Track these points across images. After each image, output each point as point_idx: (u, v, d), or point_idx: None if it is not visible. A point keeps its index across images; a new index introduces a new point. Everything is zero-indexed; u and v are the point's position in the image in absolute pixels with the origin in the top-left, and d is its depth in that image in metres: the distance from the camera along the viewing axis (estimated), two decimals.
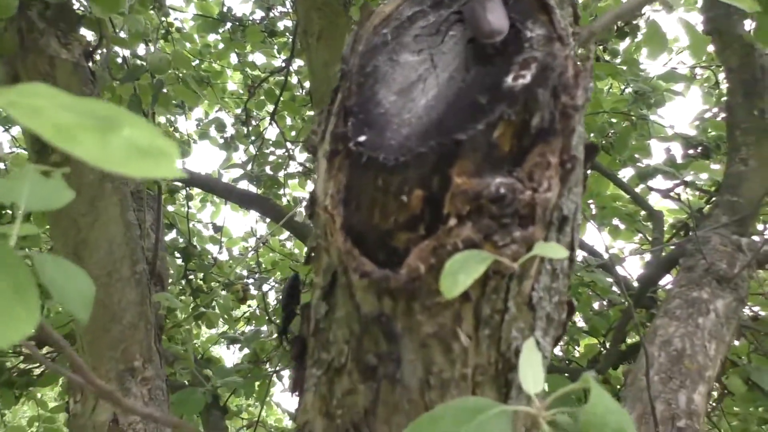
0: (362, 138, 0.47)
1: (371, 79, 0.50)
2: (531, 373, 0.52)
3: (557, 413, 0.47)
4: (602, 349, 2.42)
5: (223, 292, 3.07)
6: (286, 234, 3.39)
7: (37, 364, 2.13)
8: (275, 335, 2.16)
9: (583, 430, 0.42)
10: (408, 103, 0.49)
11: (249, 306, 2.95)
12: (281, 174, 3.35)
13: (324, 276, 0.56)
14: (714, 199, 2.40)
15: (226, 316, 3.07)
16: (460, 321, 0.50)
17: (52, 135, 0.20)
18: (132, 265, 1.39)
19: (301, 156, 3.34)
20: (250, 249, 3.30)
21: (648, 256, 2.60)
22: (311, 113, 3.23)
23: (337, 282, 0.53)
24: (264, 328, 2.18)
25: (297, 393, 0.63)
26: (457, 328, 0.51)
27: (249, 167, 2.84)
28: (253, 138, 3.37)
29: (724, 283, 1.62)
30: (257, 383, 2.05)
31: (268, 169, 3.15)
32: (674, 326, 1.50)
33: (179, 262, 2.87)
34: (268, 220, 3.14)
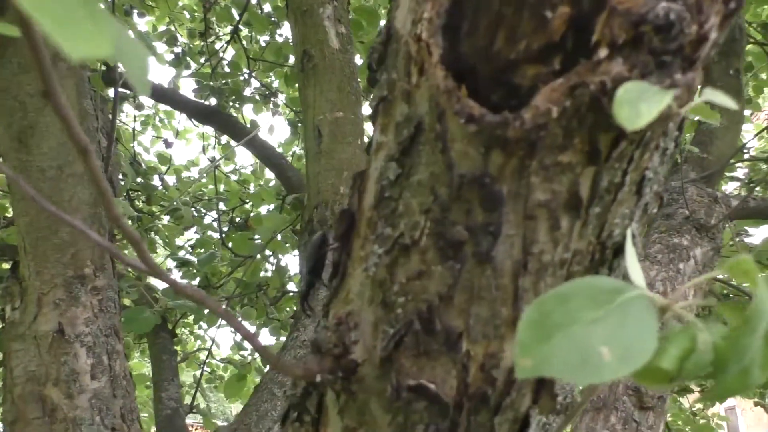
0: None
1: None
2: (634, 266, 0.43)
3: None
4: None
5: (167, 218, 2.89)
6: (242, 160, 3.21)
7: None
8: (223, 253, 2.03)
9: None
10: None
11: (197, 233, 2.78)
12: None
13: (398, 131, 0.45)
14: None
15: (166, 239, 2.90)
16: (576, 190, 0.41)
17: None
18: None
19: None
20: (202, 173, 3.11)
21: None
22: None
23: (420, 136, 0.43)
24: (218, 252, 2.05)
25: (336, 280, 0.52)
26: (571, 198, 0.41)
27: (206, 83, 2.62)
28: (207, 58, 3.12)
29: (703, 231, 1.61)
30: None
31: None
32: (655, 270, 1.48)
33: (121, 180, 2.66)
34: (223, 141, 2.95)
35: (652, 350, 0.33)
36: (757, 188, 2.67)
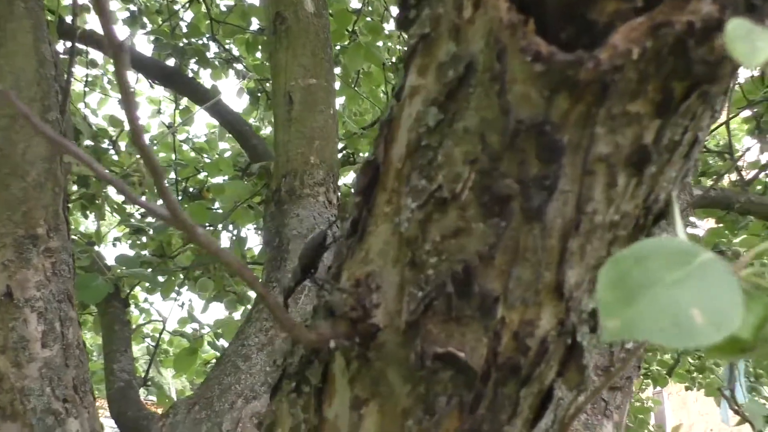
0: None
1: None
2: (682, 233, 0.41)
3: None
4: None
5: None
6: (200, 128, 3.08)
7: None
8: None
9: None
10: None
11: (150, 198, 2.65)
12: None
13: (442, 72, 0.40)
14: None
15: (115, 206, 2.76)
16: (638, 145, 0.38)
17: None
18: (43, 111, 1.13)
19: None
20: (161, 137, 2.97)
21: None
22: None
23: (471, 77, 0.38)
24: None
25: (354, 238, 0.48)
26: (632, 153, 0.38)
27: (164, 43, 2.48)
28: (166, 18, 2.96)
29: (662, 219, 1.63)
30: (163, 278, 1.84)
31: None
32: None
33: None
34: (181, 106, 2.82)
35: (740, 315, 0.30)
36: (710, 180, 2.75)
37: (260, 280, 1.70)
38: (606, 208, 0.40)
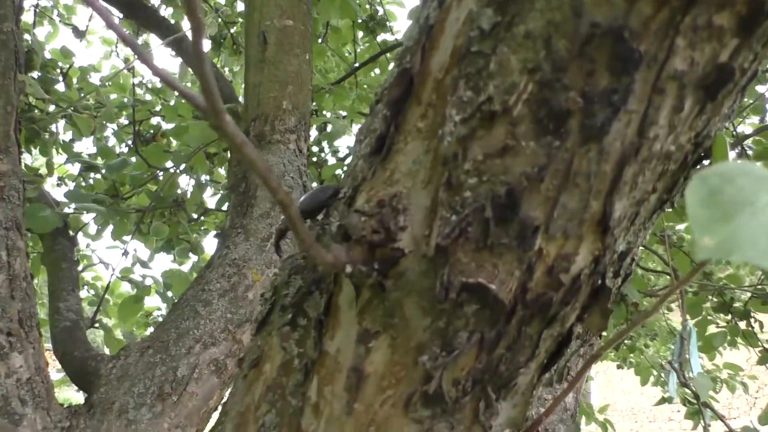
0: None
1: None
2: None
3: None
4: None
5: (62, 122, 2.59)
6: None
7: None
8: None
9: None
10: None
11: (99, 138, 2.51)
12: None
13: None
14: None
15: (62, 143, 2.61)
16: (713, 64, 0.35)
17: None
18: None
19: None
20: (116, 73, 2.79)
21: None
22: None
23: None
24: (133, 159, 1.83)
25: (378, 156, 0.43)
26: (705, 75, 0.35)
27: None
28: None
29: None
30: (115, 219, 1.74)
31: None
32: None
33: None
34: (140, 39, 2.65)
35: None
36: None
37: (223, 227, 1.63)
38: (666, 136, 0.37)
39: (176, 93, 2.94)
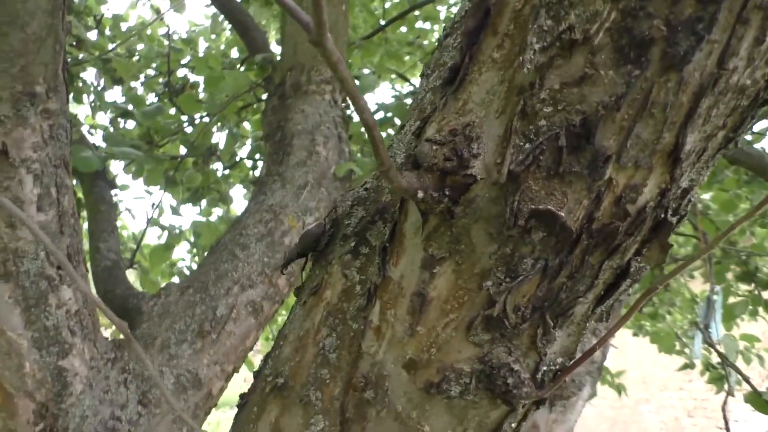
0: None
1: None
2: None
3: None
4: None
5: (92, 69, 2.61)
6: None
7: None
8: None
9: None
10: None
11: (129, 88, 2.52)
12: None
13: None
14: None
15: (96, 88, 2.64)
16: None
17: None
18: None
19: None
20: (148, 24, 2.80)
21: None
22: None
23: None
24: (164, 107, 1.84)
25: (451, 86, 0.45)
26: None
27: None
28: None
29: None
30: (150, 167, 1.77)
31: None
32: None
33: None
34: None
35: None
36: None
37: (259, 174, 1.66)
38: (744, 68, 0.37)
39: (207, 44, 2.90)
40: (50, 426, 1.05)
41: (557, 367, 0.50)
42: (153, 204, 2.48)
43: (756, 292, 2.72)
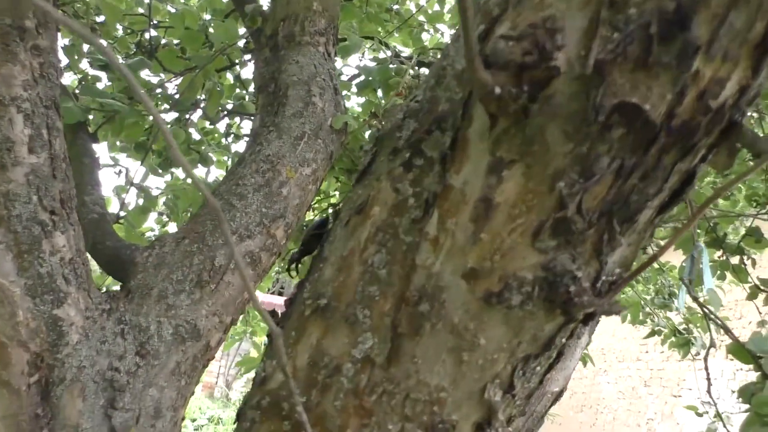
0: None
1: None
2: None
3: None
4: None
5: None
6: None
7: None
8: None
9: None
10: None
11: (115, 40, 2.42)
12: None
13: None
14: None
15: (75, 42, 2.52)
16: None
17: None
18: None
19: None
20: None
21: None
22: None
23: None
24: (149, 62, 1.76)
25: None
26: None
27: None
28: None
29: None
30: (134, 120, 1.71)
31: None
32: None
33: None
34: None
35: None
36: None
37: (252, 126, 1.62)
38: None
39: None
40: (46, 377, 1.01)
41: (614, 278, 0.50)
42: (120, 171, 2.41)
43: (724, 258, 2.81)
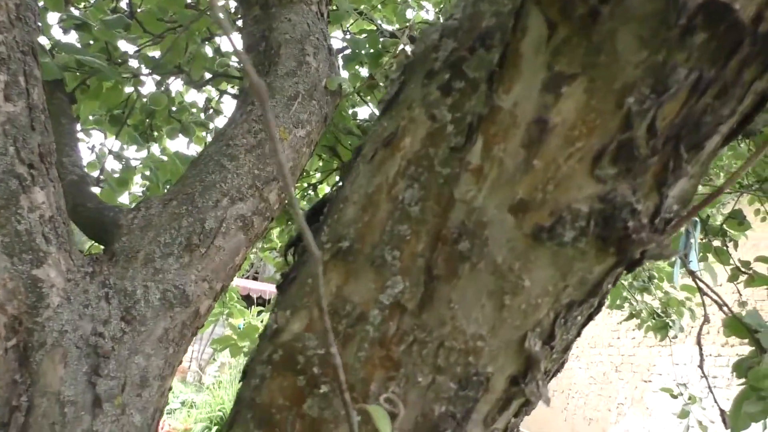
0: None
1: None
2: None
3: None
4: None
5: None
6: None
7: None
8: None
9: None
10: None
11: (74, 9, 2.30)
12: None
13: None
14: None
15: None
16: None
17: None
18: None
19: None
20: None
21: None
22: None
23: None
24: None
25: None
26: None
27: None
28: None
29: None
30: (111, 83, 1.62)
31: None
32: None
33: None
34: None
35: None
36: None
37: (240, 86, 1.54)
38: None
39: None
40: (24, 341, 0.94)
41: (671, 215, 0.46)
42: (92, 147, 2.30)
43: (707, 240, 2.82)
